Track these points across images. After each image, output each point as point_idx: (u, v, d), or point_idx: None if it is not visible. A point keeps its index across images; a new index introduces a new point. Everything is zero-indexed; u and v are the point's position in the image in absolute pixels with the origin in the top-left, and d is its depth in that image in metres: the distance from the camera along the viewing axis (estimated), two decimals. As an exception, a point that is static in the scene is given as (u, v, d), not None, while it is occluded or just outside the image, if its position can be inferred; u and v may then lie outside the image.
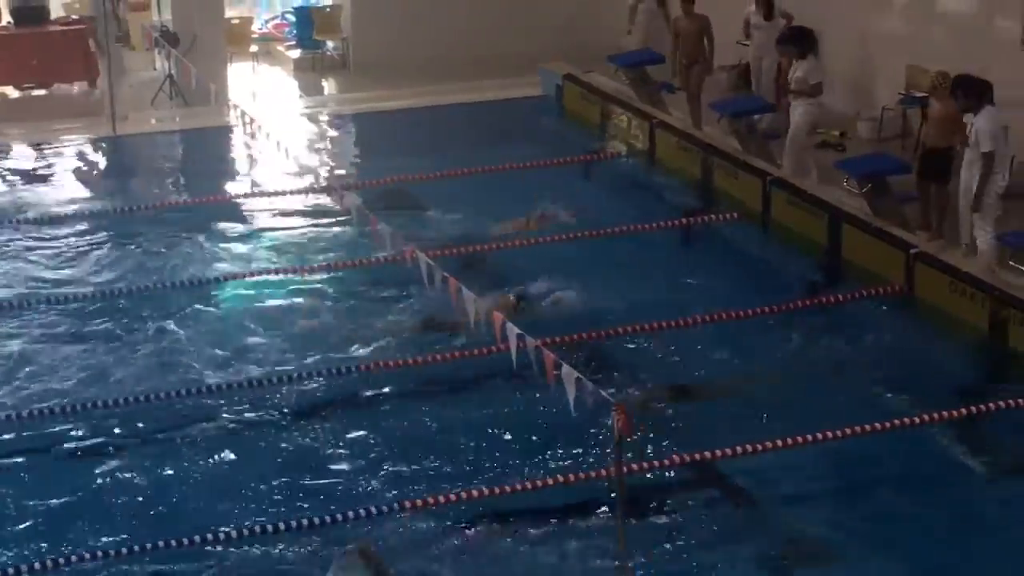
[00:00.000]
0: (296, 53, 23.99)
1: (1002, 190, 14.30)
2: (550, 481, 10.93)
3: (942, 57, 16.90)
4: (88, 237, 16.36)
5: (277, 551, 10.29)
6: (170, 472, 11.43)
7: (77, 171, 19.04)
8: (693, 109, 19.10)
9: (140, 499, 11.05)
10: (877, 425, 11.54)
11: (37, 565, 9.93)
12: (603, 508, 10.55)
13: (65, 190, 18.15)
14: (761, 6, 18.96)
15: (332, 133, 20.75)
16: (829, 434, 11.41)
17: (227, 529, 10.40)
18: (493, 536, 10.50)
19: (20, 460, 11.65)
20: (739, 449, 11.23)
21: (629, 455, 10.34)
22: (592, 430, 11.43)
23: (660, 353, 13.26)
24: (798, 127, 16.94)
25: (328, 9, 24.02)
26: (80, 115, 20.98)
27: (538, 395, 11.86)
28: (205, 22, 21.81)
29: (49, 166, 19.17)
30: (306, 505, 10.85)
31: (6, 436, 11.91)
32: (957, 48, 17.54)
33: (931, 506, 10.88)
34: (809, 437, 11.34)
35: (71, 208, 17.21)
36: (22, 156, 19.54)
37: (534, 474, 11.13)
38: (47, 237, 16.32)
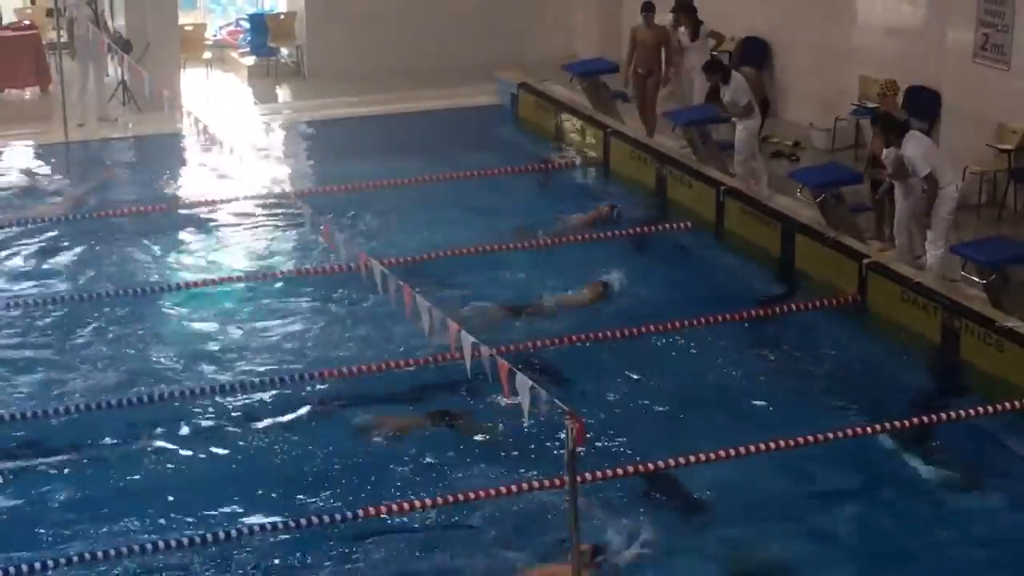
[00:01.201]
0: (250, 60, 23.90)
1: (955, 201, 14.36)
2: (503, 490, 10.92)
3: (895, 69, 16.99)
4: (36, 243, 16.26)
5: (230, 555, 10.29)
6: (133, 478, 11.42)
7: (27, 176, 18.90)
8: (648, 119, 19.13)
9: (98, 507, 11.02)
10: (829, 435, 11.57)
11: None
12: (556, 517, 10.54)
13: (13, 195, 18.01)
14: (688, 27, 18.99)
15: (286, 140, 20.68)
16: (781, 443, 11.44)
17: (191, 534, 10.39)
18: (445, 543, 10.49)
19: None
20: (692, 458, 11.24)
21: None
22: (546, 439, 11.43)
23: (614, 362, 13.25)
24: (740, 144, 17.09)
25: (282, 16, 23.94)
26: (32, 120, 20.83)
27: (493, 403, 11.86)
28: (159, 28, 21.74)
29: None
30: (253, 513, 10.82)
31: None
32: (910, 60, 17.65)
33: (881, 516, 10.91)
34: (761, 446, 11.36)
35: (18, 213, 17.11)
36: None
37: (488, 482, 11.11)
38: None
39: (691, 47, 19.01)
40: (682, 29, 19.04)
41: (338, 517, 10.60)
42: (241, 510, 10.95)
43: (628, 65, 19.41)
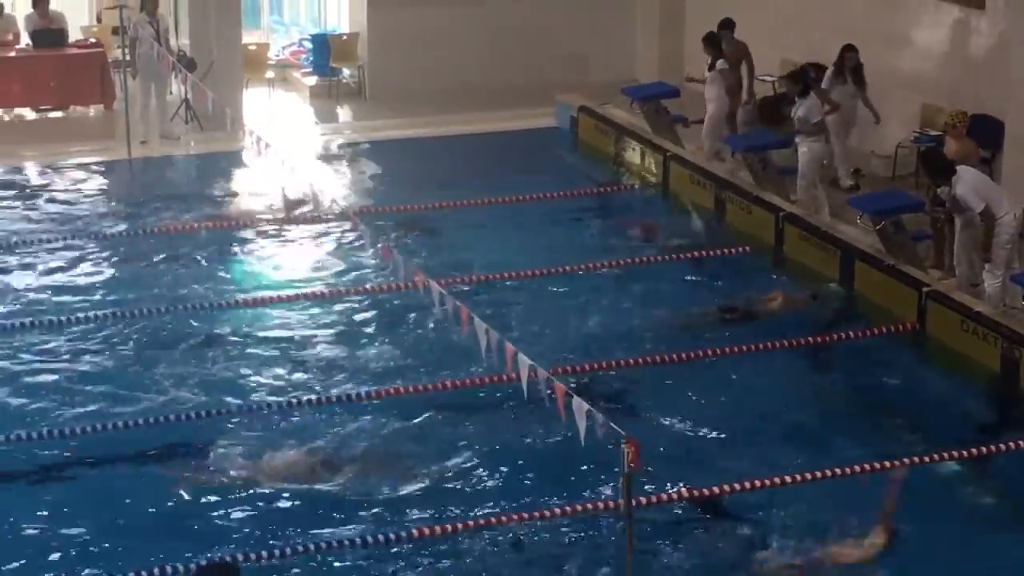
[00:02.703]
0: (312, 80, 24.04)
1: (1014, 230, 14.28)
2: (558, 511, 10.92)
3: (958, 96, 16.90)
4: (97, 259, 16.41)
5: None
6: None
7: (90, 193, 19.08)
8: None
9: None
10: (887, 463, 11.51)
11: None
12: (611, 541, 10.52)
13: (77, 212, 18.19)
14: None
15: (346, 160, 20.76)
16: (839, 471, 11.39)
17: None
18: (502, 564, 10.49)
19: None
20: (749, 484, 11.21)
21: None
22: (602, 462, 11.41)
23: (670, 385, 13.24)
24: (804, 165, 17.01)
25: (345, 37, 24.06)
26: (95, 138, 21.00)
27: (550, 425, 11.86)
28: (222, 47, 21.88)
29: (63, 188, 19.22)
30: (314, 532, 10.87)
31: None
32: (973, 87, 17.56)
33: (939, 545, 10.82)
34: (819, 474, 11.32)
35: (81, 230, 17.29)
36: (37, 178, 19.56)
37: (543, 504, 11.11)
38: (59, 259, 16.35)
39: (707, 77, 19.04)
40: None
41: (427, 532, 10.70)
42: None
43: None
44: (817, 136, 17.06)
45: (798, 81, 17.39)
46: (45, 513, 11.15)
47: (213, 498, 11.35)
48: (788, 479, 11.29)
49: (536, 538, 10.78)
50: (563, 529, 10.86)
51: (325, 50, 23.86)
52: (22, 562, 10.52)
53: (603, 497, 11.11)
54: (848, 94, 18.22)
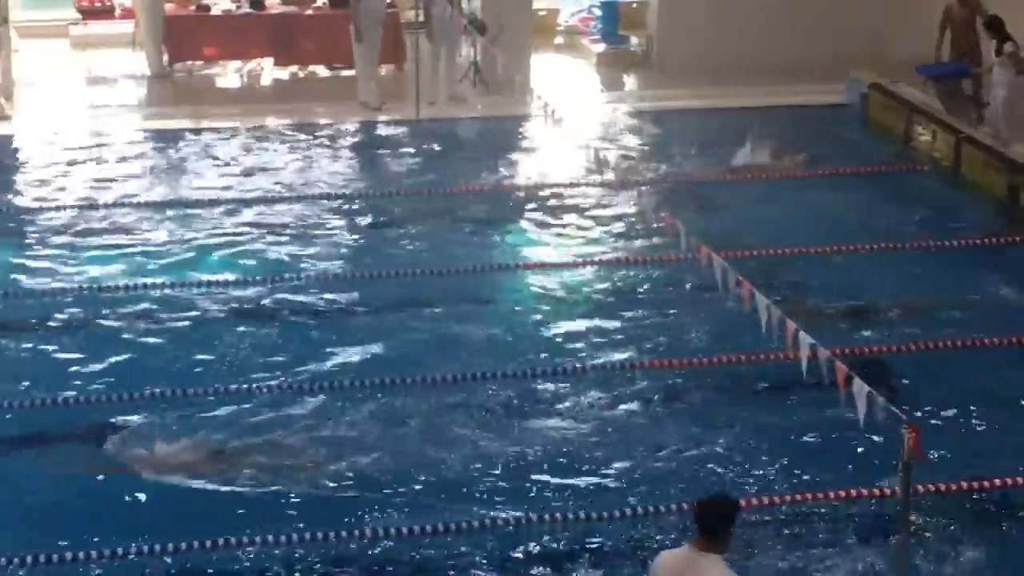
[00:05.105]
0: (600, 47, 24.07)
1: None
2: (831, 495, 10.74)
3: None
4: (371, 218, 16.78)
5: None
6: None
7: (374, 152, 19.48)
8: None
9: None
10: None
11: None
12: (885, 529, 10.30)
13: (356, 170, 18.61)
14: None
15: (631, 128, 20.72)
16: None
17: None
18: (768, 544, 10.37)
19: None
20: (1031, 477, 10.86)
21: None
22: (879, 447, 11.16)
23: (952, 371, 12.88)
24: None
25: (635, 5, 24.02)
26: (386, 97, 21.39)
27: (823, 404, 11.64)
28: (513, 12, 22.04)
29: (345, 146, 19.67)
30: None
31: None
32: None
33: None
34: None
35: (361, 188, 17.69)
36: (325, 134, 20.04)
37: (814, 486, 10.94)
38: (335, 216, 16.75)
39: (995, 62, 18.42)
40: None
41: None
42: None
43: (938, 46, 18.87)
44: None
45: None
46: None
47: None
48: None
49: (811, 523, 10.60)
50: (837, 514, 10.66)
51: (614, 17, 23.88)
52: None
53: (879, 484, 10.85)
54: None
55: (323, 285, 14.61)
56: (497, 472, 11.24)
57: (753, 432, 11.81)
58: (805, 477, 11.15)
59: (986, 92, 18.86)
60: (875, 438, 11.09)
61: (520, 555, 10.22)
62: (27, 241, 15.81)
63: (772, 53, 22.64)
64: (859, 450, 11.35)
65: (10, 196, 17.36)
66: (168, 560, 10.04)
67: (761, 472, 11.26)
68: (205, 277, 14.65)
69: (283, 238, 15.99)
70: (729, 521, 8.16)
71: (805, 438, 11.74)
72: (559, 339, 13.57)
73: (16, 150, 19.36)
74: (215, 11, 23.11)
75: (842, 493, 10.77)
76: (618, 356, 13.12)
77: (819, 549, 10.29)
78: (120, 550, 10.01)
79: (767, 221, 16.44)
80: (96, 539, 10.16)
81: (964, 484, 10.92)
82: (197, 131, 20.05)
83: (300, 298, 14.33)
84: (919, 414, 11.55)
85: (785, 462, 11.37)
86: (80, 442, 11.67)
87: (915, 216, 16.75)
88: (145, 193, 17.37)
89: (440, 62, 21.64)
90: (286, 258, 15.39)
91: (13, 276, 14.77)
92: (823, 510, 10.70)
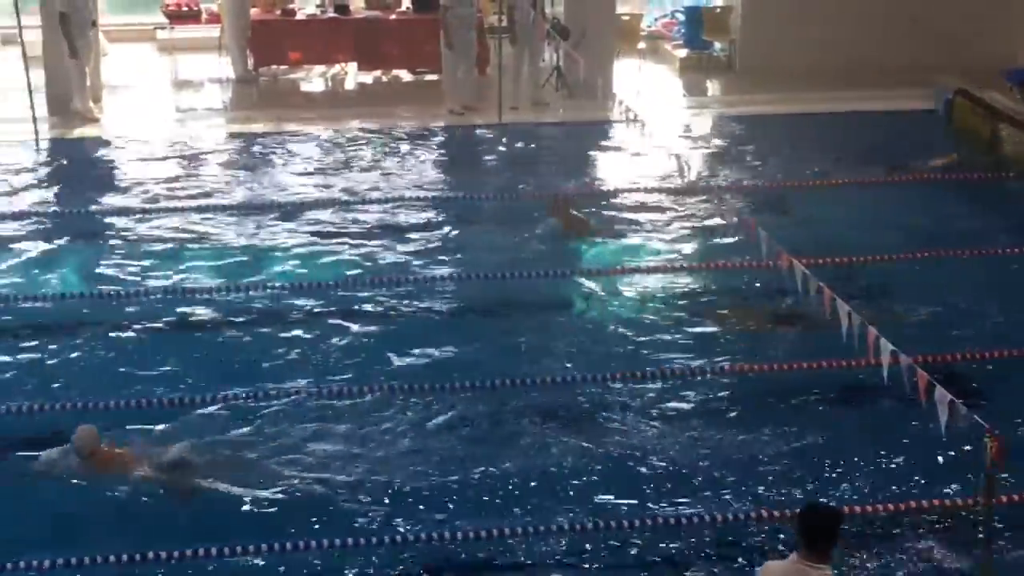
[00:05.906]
0: (683, 52, 24.02)
1: None
2: (912, 504, 10.66)
3: None
4: (440, 218, 16.86)
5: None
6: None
7: (453, 156, 19.56)
8: None
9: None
10: None
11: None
12: (967, 540, 10.21)
13: (438, 174, 18.71)
14: None
15: (713, 134, 20.67)
16: None
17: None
18: (849, 554, 10.30)
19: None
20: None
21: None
22: (960, 455, 11.07)
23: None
24: None
25: (719, 10, 23.96)
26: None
27: (904, 412, 11.56)
28: (596, 17, 22.04)
29: (429, 150, 19.76)
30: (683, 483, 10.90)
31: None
32: None
33: None
34: None
35: (442, 192, 17.80)
36: (408, 138, 20.14)
37: (896, 496, 10.86)
38: (418, 219, 16.85)
39: None
40: None
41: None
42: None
43: None
44: None
45: None
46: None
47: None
48: None
49: (892, 532, 10.52)
50: (919, 523, 10.57)
51: (698, 22, 23.81)
52: None
53: (961, 493, 10.75)
54: None
55: (401, 287, 14.66)
56: (600, 468, 11.29)
57: (832, 440, 11.72)
58: (888, 486, 11.05)
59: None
60: (958, 447, 10.98)
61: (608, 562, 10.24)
62: (113, 243, 16.00)
63: (856, 58, 22.54)
64: (940, 459, 11.24)
65: (98, 197, 17.58)
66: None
67: (842, 481, 11.18)
68: (288, 281, 14.79)
69: (364, 241, 16.07)
70: (835, 532, 8.08)
71: (886, 446, 11.63)
72: (638, 344, 13.52)
73: (104, 152, 19.62)
74: (300, 16, 23.29)
75: (924, 503, 10.67)
76: (698, 362, 13.08)
77: (901, 557, 10.21)
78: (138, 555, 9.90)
79: (850, 227, 16.32)
80: (107, 545, 10.02)
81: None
82: (280, 134, 20.21)
83: (379, 299, 14.40)
84: (1003, 423, 11.40)
85: (866, 471, 11.28)
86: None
87: (1001, 222, 16.58)
88: (228, 196, 17.53)
89: (523, 67, 21.68)
90: (367, 261, 15.48)
91: (99, 277, 14.96)
92: (905, 519, 10.59)
